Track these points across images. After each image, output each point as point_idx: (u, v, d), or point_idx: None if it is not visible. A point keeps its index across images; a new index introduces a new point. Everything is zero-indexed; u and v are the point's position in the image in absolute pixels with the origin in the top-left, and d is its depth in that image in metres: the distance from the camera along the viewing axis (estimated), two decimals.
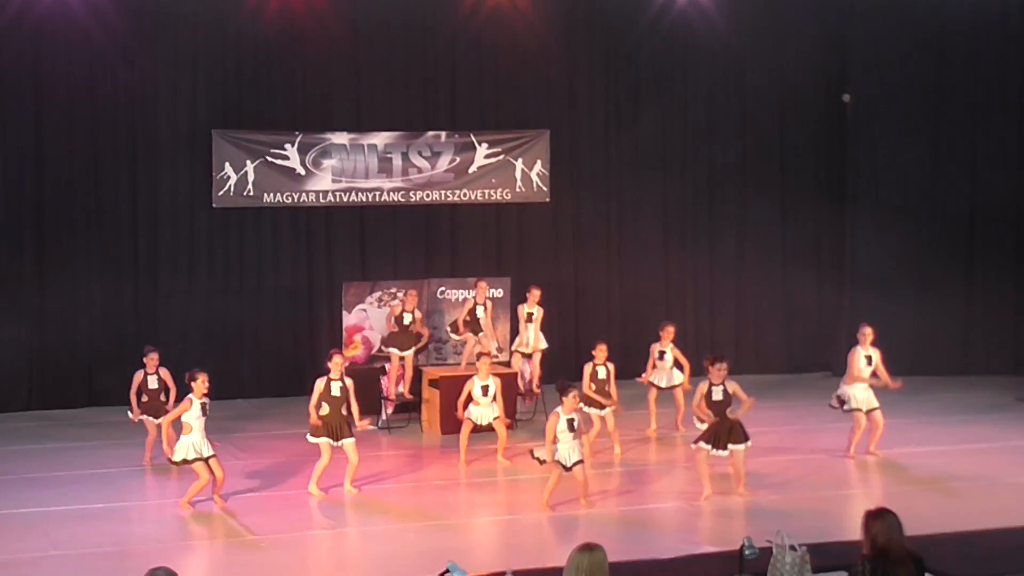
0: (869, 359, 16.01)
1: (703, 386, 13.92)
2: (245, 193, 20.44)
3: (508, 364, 18.83)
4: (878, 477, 15.18)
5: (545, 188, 21.73)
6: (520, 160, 21.56)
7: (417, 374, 18.38)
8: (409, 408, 18.33)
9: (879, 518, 7.85)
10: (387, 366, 18.37)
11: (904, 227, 22.22)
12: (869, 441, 16.08)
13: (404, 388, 18.27)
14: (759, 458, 15.37)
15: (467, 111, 21.54)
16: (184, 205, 20.38)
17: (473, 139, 21.35)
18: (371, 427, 17.00)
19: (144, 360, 16.09)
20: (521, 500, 14.32)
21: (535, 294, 18.72)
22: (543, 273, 21.49)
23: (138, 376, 16.03)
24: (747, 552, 8.84)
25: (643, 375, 17.64)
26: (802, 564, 8.43)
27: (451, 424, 17.36)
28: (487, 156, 21.41)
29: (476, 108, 21.60)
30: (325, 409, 14.21)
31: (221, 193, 20.33)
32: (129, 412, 16.06)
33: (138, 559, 11.62)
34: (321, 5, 20.43)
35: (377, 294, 19.05)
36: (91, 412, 19.38)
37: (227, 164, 20.30)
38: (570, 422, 13.44)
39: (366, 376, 18.37)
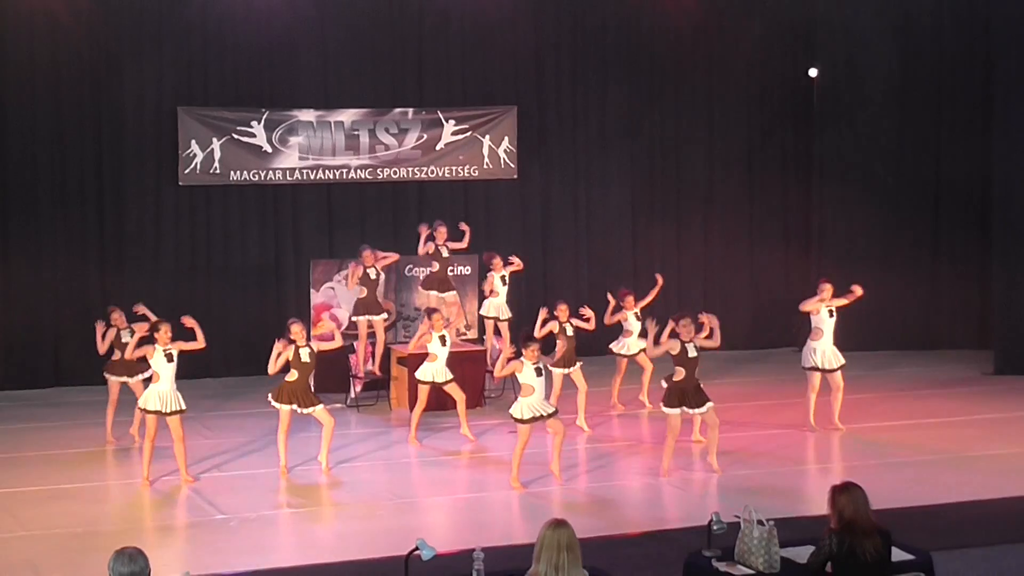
0: (831, 312, 15.99)
1: (672, 343, 13.82)
2: (211, 171, 20.35)
3: (480, 341, 18.86)
4: (844, 452, 15.26)
5: (512, 165, 21.71)
6: (487, 137, 21.53)
7: (385, 351, 18.35)
8: (378, 386, 18.31)
9: (845, 492, 7.91)
10: (355, 344, 18.31)
11: (870, 203, 22.33)
12: (831, 411, 16.03)
13: (375, 365, 18.24)
14: (725, 434, 15.44)
15: (434, 88, 21.49)
16: (150, 183, 20.27)
17: (440, 116, 21.31)
18: (338, 405, 17.00)
19: (112, 319, 15.73)
20: (490, 478, 14.33)
21: (499, 262, 18.66)
22: (511, 250, 21.43)
23: (111, 334, 15.67)
24: (715, 527, 8.88)
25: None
26: (769, 539, 8.47)
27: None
28: (454, 133, 21.37)
29: (443, 85, 21.56)
30: (294, 375, 14.17)
31: (187, 171, 20.24)
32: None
33: (107, 539, 11.59)
34: None
35: (345, 272, 19.00)
36: (57, 392, 19.30)
37: (193, 141, 20.20)
38: (537, 369, 13.37)
39: (334, 353, 18.34)
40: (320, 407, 14.25)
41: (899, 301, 22.26)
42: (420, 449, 15.55)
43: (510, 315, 18.84)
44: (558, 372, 16.13)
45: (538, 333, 15.55)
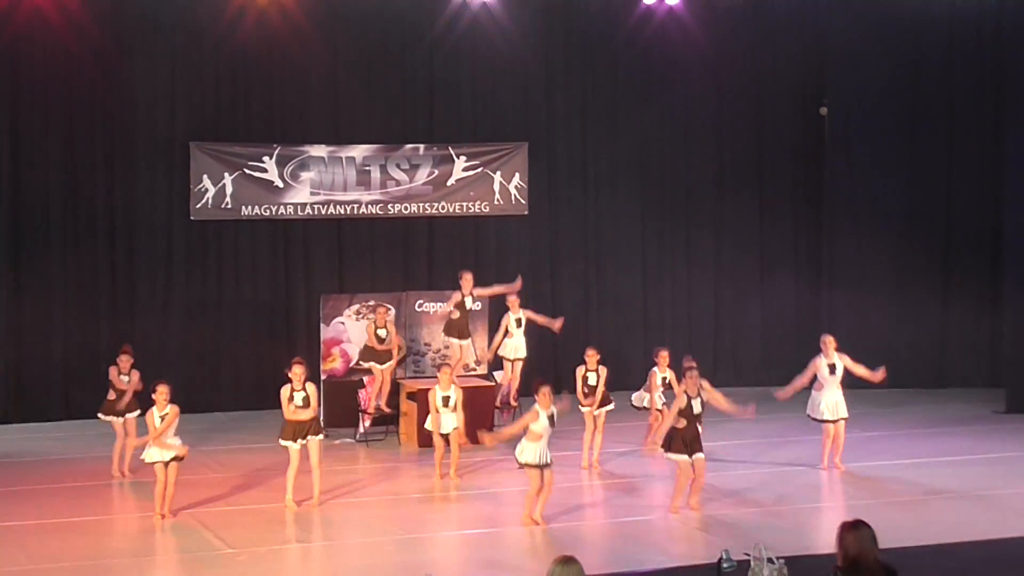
0: (832, 367, 16.04)
1: (681, 398, 13.93)
2: (223, 205, 20.41)
3: (489, 376, 18.85)
4: (854, 490, 15.20)
5: (523, 201, 21.75)
6: (498, 173, 21.58)
7: (395, 387, 18.36)
8: (387, 421, 18.30)
9: (853, 530, 7.87)
10: (366, 379, 18.31)
11: (881, 237, 22.31)
12: (833, 453, 16.10)
13: (382, 401, 18.23)
14: (736, 471, 15.44)
15: (445, 124, 21.56)
16: (162, 217, 20.35)
17: (451, 152, 21.37)
18: (348, 440, 17.02)
19: (118, 359, 15.92)
20: (499, 513, 14.30)
21: (515, 302, 18.65)
22: (521, 286, 21.54)
23: (113, 371, 15.92)
24: (725, 565, 8.87)
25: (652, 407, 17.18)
26: None
27: (428, 437, 17.38)
28: (465, 169, 21.43)
29: (454, 121, 21.63)
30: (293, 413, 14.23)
31: (199, 205, 20.30)
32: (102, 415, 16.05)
33: (114, 572, 11.59)
34: (299, 18, 20.44)
35: (355, 307, 19.03)
36: (67, 425, 19.31)
37: (205, 176, 20.28)
38: (550, 417, 13.44)
39: (344, 388, 18.37)
40: (317, 438, 14.23)
41: (910, 338, 22.23)
42: (430, 484, 15.50)
43: (524, 355, 18.78)
44: (586, 411, 16.25)
45: (581, 393, 16.14)
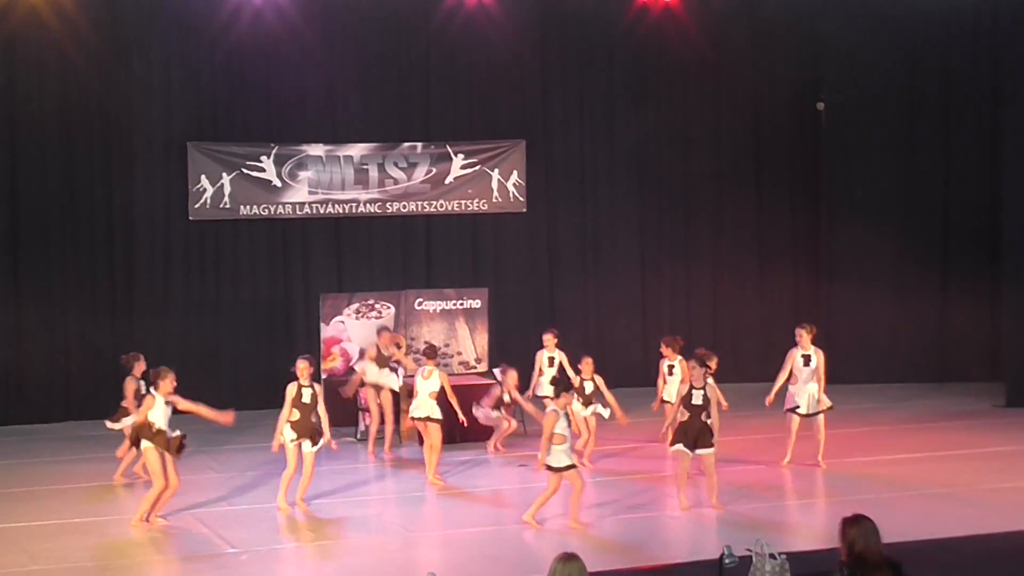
0: (807, 358, 15.87)
1: (683, 387, 13.96)
2: (221, 205, 20.43)
3: (489, 374, 18.83)
4: (854, 485, 15.20)
5: (521, 198, 21.77)
6: (496, 170, 21.60)
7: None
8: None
9: (856, 524, 7.88)
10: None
11: (880, 234, 22.34)
12: (815, 450, 15.89)
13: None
14: (736, 467, 15.44)
15: (442, 122, 21.58)
16: (160, 217, 20.37)
17: (449, 150, 21.39)
18: (348, 439, 17.01)
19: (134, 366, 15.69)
20: (501, 512, 14.32)
21: (551, 339, 17.51)
22: (519, 283, 21.62)
23: (130, 383, 15.58)
24: (727, 561, 8.87)
25: (655, 403, 16.86)
26: (782, 572, 8.46)
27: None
28: (463, 167, 21.45)
29: (451, 119, 21.65)
30: (296, 415, 14.15)
31: (197, 205, 20.32)
32: (108, 423, 15.84)
33: (117, 572, 11.60)
34: (295, 17, 20.46)
35: (355, 305, 19.05)
36: (69, 426, 19.35)
37: (203, 176, 20.29)
38: (568, 419, 13.41)
39: (343, 386, 18.35)
40: (311, 451, 14.13)
41: (909, 333, 22.27)
42: (431, 484, 15.53)
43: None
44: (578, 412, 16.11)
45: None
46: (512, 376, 16.98)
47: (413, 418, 15.84)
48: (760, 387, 21.47)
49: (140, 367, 15.58)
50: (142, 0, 20.15)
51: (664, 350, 16.93)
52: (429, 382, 15.67)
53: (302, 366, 14.26)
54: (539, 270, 22.05)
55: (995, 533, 12.71)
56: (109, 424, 15.78)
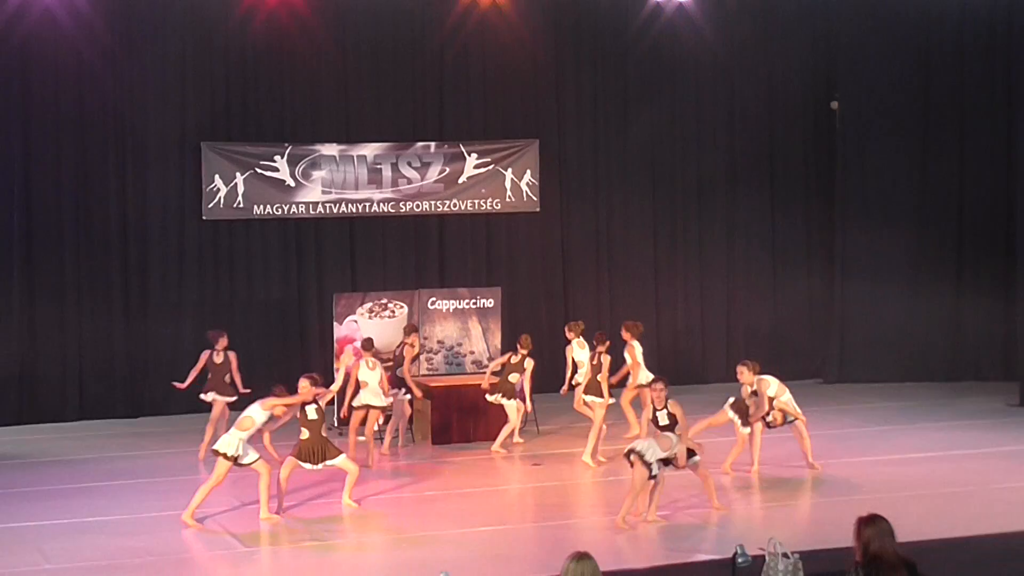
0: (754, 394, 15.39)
1: (648, 410, 13.83)
2: (235, 205, 20.45)
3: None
4: (867, 484, 15.17)
5: (535, 198, 21.76)
6: (510, 170, 21.59)
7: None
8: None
9: (871, 524, 7.86)
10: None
11: (894, 233, 22.30)
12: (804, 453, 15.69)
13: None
14: (747, 467, 15.42)
15: (456, 121, 21.59)
16: (174, 217, 20.39)
17: (462, 149, 21.39)
18: (360, 438, 17.01)
19: (216, 341, 17.08)
20: (513, 511, 14.31)
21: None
22: (532, 283, 21.62)
23: (206, 354, 17.06)
24: (740, 560, 8.87)
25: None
26: (795, 571, 8.45)
27: (443, 435, 17.44)
28: (476, 166, 21.45)
29: (465, 118, 21.65)
30: (305, 434, 14.06)
31: (211, 205, 20.35)
32: (176, 384, 17.20)
33: (131, 572, 11.61)
34: (309, 17, 20.48)
35: (368, 305, 19.05)
36: (82, 425, 19.38)
37: (216, 176, 20.31)
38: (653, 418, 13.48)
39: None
40: (341, 458, 14.09)
41: (923, 331, 22.24)
42: (444, 481, 15.53)
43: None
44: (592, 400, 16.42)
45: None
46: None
47: (359, 406, 16.46)
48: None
49: (223, 342, 17.10)
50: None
51: (624, 334, 17.51)
52: (374, 372, 16.46)
53: (304, 385, 14.10)
54: (552, 269, 22.04)
55: (1010, 532, 12.68)
56: (202, 396, 17.02)
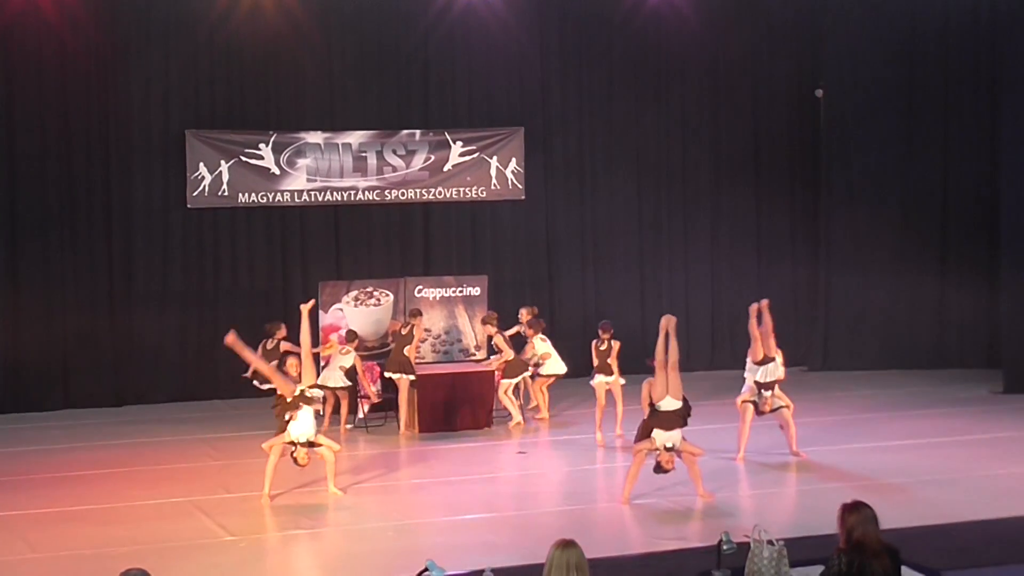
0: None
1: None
2: (220, 193, 20.42)
3: (487, 360, 18.85)
4: (851, 471, 15.22)
5: (520, 185, 21.76)
6: (495, 158, 21.58)
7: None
8: (387, 406, 18.30)
9: (854, 511, 7.89)
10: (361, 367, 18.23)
11: (879, 221, 22.36)
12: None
13: (378, 387, 18.24)
14: (734, 455, 15.46)
15: (441, 109, 21.57)
16: (158, 206, 20.35)
17: (447, 137, 21.37)
18: (348, 425, 16.99)
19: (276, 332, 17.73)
20: (498, 498, 14.33)
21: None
22: (518, 271, 21.63)
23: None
24: (725, 547, 8.88)
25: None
26: (780, 559, 8.47)
27: (429, 423, 17.45)
28: (461, 154, 21.44)
29: (450, 106, 21.64)
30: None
31: (195, 193, 20.31)
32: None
33: (115, 560, 11.58)
34: (294, 5, 20.43)
35: (353, 293, 19.04)
36: (66, 414, 19.34)
37: (201, 164, 20.27)
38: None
39: (344, 374, 18.35)
40: (325, 442, 14.12)
41: (907, 319, 22.30)
42: (430, 469, 15.54)
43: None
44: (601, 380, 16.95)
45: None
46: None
47: (328, 387, 17.19)
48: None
49: (281, 333, 17.72)
50: None
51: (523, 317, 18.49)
52: (346, 358, 17.56)
53: (292, 362, 14.18)
54: (537, 258, 22.04)
55: (993, 519, 12.72)
56: (257, 384, 17.49)
